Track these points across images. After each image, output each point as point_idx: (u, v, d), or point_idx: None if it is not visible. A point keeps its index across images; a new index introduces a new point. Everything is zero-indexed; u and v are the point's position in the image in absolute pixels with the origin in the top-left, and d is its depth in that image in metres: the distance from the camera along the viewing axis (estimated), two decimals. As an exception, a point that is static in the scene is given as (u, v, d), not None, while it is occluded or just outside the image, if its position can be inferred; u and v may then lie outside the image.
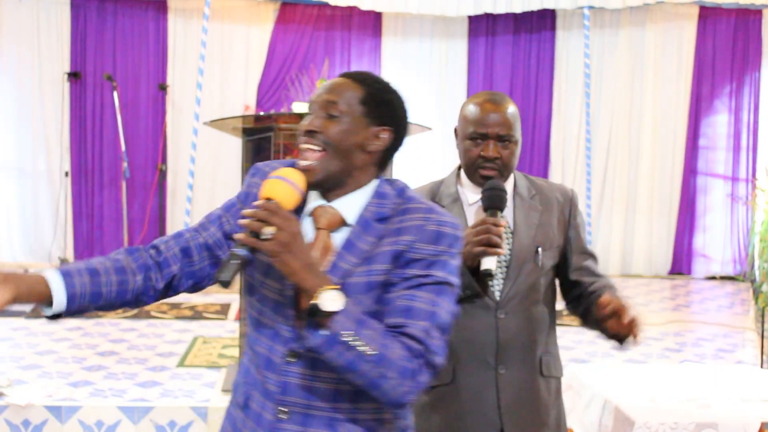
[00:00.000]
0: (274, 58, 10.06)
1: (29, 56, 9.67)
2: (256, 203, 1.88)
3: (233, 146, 9.44)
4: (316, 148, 2.00)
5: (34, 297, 1.97)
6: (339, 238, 2.02)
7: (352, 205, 2.04)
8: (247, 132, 5.39)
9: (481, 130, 2.61)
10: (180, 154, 9.81)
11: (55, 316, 2.03)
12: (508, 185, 2.69)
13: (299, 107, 5.47)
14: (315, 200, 2.05)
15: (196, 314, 7.28)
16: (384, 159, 2.09)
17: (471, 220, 2.66)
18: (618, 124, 10.39)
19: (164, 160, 9.74)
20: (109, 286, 2.01)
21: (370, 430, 2.01)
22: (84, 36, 9.81)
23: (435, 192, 2.78)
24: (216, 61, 9.87)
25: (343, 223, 2.03)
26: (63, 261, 9.44)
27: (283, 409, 1.98)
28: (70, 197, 9.77)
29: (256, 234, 1.84)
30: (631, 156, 10.43)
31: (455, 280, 2.00)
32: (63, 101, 9.73)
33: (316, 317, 1.83)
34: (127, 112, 9.67)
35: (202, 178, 9.67)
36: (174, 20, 9.96)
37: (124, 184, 9.41)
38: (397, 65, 10.32)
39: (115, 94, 9.34)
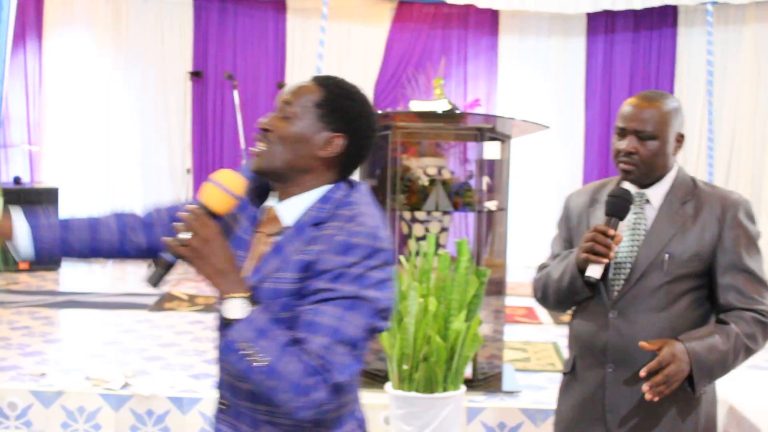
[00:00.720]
0: (391, 57, 10.11)
1: (153, 56, 9.94)
2: (187, 207, 1.93)
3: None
4: (263, 147, 2.03)
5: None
6: (275, 242, 2.01)
7: (294, 208, 2.02)
8: (365, 130, 5.42)
9: (620, 124, 2.64)
10: (297, 151, 9.94)
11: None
12: (662, 186, 2.66)
13: (417, 106, 5.48)
14: (272, 198, 2.08)
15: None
16: (343, 166, 2.05)
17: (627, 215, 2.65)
18: (742, 123, 10.08)
19: (282, 158, 9.90)
20: (79, 233, 2.19)
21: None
22: (206, 36, 10.05)
23: (597, 189, 2.80)
24: (333, 59, 9.96)
25: (281, 227, 2.02)
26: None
27: (222, 401, 2.08)
28: (192, 193, 10.00)
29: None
30: (756, 155, 10.10)
31: (373, 293, 1.91)
32: (185, 99, 9.99)
33: (226, 323, 1.87)
34: (247, 110, 9.85)
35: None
36: (293, 19, 10.10)
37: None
38: (514, 64, 10.24)
39: (235, 92, 9.53)
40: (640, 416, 2.61)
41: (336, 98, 2.04)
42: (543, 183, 9.66)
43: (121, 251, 2.25)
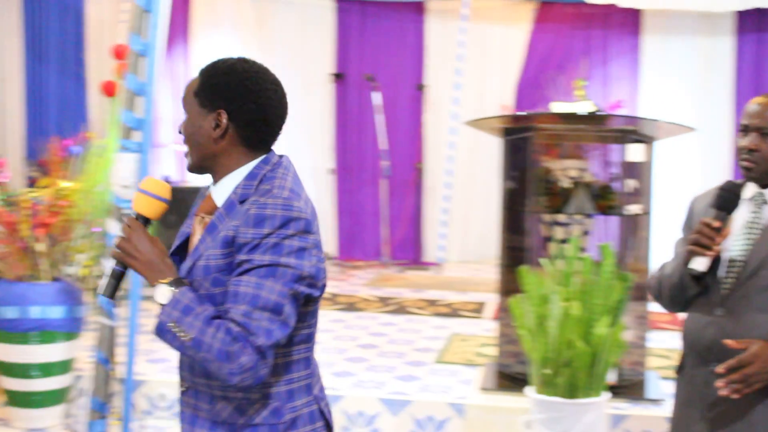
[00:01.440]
0: (532, 58, 10.03)
1: (296, 58, 10.13)
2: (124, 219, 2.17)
3: (490, 146, 9.50)
4: (185, 148, 2.21)
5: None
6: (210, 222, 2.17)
7: (224, 188, 2.17)
8: (506, 132, 5.41)
9: (744, 121, 2.64)
10: (437, 153, 9.97)
11: None
12: None
13: (558, 107, 5.42)
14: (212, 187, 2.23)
15: (453, 312, 7.37)
16: (249, 138, 2.18)
17: (744, 213, 2.65)
18: None
19: (422, 159, 9.93)
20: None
21: (239, 408, 2.14)
22: (347, 38, 10.18)
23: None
24: (473, 61, 9.95)
25: (215, 207, 2.18)
26: (326, 255, 9.82)
27: (183, 383, 2.25)
28: (335, 194, 10.16)
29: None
30: None
31: (292, 261, 2.04)
32: (327, 101, 10.15)
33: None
34: (387, 112, 9.92)
35: (459, 176, 9.78)
36: (432, 21, 10.13)
37: (384, 182, 9.67)
38: (657, 64, 10.00)
39: (376, 94, 9.62)
40: (740, 416, 2.57)
41: (208, 80, 2.17)
42: (687, 187, 9.40)
43: None
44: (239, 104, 2.16)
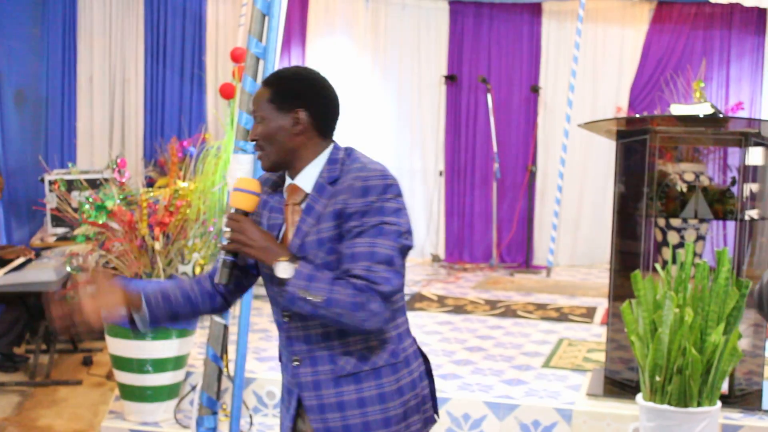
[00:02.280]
0: (649, 59, 9.84)
1: (410, 60, 10.17)
2: (226, 215, 2.44)
3: (603, 149, 9.37)
4: (261, 152, 2.51)
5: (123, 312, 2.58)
6: (304, 206, 2.48)
7: (308, 176, 2.50)
8: (620, 134, 5.32)
9: None
10: (550, 155, 9.88)
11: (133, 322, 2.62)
12: None
13: (677, 109, 5.30)
14: (288, 180, 2.54)
15: (562, 316, 7.29)
16: (321, 128, 2.52)
17: None
18: None
19: (534, 162, 9.85)
20: (180, 308, 2.63)
21: (363, 357, 2.47)
22: (461, 40, 10.16)
23: None
24: (589, 62, 9.83)
25: (305, 194, 2.49)
26: (434, 257, 9.85)
27: (295, 358, 2.52)
28: (444, 196, 10.16)
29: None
30: None
31: (394, 219, 2.39)
32: (440, 103, 10.15)
33: (281, 284, 2.32)
34: (500, 114, 9.88)
35: (571, 179, 9.67)
36: (548, 22, 10.04)
37: (494, 185, 9.63)
38: (782, 65, 9.70)
39: (489, 96, 9.58)
40: None
41: (280, 87, 2.50)
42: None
43: (204, 313, 2.73)
44: (312, 101, 2.51)
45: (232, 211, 2.45)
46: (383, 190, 2.41)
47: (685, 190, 5.48)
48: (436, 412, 2.68)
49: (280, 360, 2.65)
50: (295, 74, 2.55)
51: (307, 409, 2.52)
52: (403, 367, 2.52)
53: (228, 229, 2.42)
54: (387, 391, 2.49)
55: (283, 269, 2.33)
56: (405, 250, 2.42)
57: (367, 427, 2.48)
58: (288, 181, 2.54)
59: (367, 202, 2.38)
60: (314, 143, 2.51)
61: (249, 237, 2.40)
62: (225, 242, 2.44)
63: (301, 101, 2.48)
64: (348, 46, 10.15)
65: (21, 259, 6.87)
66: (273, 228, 2.54)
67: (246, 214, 2.46)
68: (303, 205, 2.49)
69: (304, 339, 2.50)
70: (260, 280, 2.65)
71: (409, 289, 8.13)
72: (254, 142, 2.52)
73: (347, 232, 2.38)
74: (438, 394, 5.02)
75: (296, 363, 2.52)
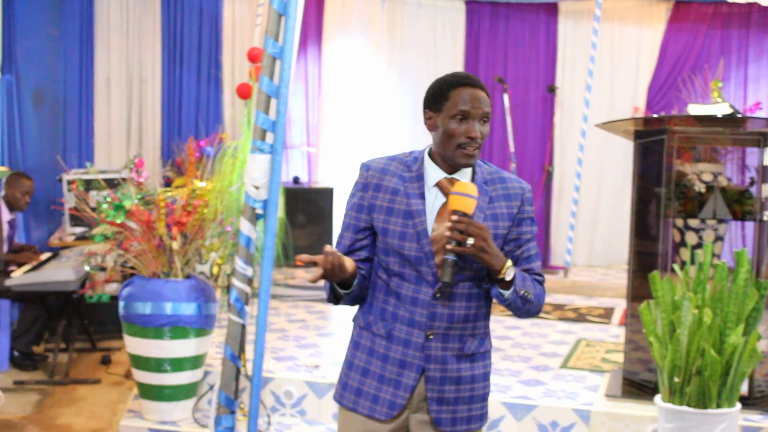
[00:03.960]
0: (666, 59, 9.81)
1: (426, 60, 10.16)
2: (453, 218, 2.59)
3: (620, 148, 9.35)
4: (476, 150, 2.74)
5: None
6: None
7: (467, 174, 2.79)
8: (638, 134, 5.30)
9: None
10: (567, 155, 9.86)
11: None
12: None
13: (695, 109, 5.28)
14: (434, 173, 2.77)
15: (580, 317, 7.27)
16: None
17: None
18: None
19: (551, 162, 9.82)
20: (363, 290, 2.87)
21: (481, 341, 2.83)
22: (477, 40, 10.15)
23: None
24: (606, 62, 9.81)
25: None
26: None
27: (430, 332, 2.74)
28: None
29: (458, 242, 2.58)
30: None
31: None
32: (456, 103, 10.13)
33: (500, 281, 2.67)
34: (516, 114, 9.86)
35: (588, 179, 9.65)
36: (564, 22, 10.02)
37: (511, 185, 9.61)
38: (800, 64, 9.65)
39: (506, 96, 9.56)
40: None
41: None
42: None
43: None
44: None
45: (457, 215, 2.60)
46: (532, 203, 2.87)
47: (703, 190, 5.46)
48: None
49: (389, 336, 2.78)
50: None
51: (428, 379, 2.76)
52: (491, 354, 2.93)
53: (453, 231, 2.58)
54: (488, 372, 2.89)
55: (510, 272, 2.65)
56: None
57: (472, 400, 2.82)
58: (436, 172, 2.77)
59: (531, 211, 2.84)
60: None
61: (489, 245, 2.60)
62: (454, 244, 2.59)
63: None
64: (364, 46, 10.15)
65: (40, 258, 6.91)
66: (418, 213, 2.74)
67: (465, 216, 2.62)
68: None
69: (447, 317, 2.75)
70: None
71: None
72: (474, 140, 2.71)
73: (521, 235, 2.81)
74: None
75: (431, 337, 2.75)
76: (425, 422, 2.79)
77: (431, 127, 2.77)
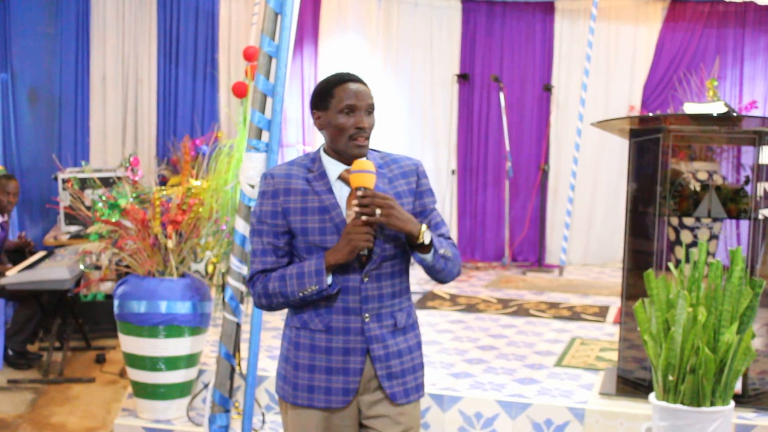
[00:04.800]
0: (662, 58, 9.81)
1: (422, 59, 10.15)
2: (358, 194, 2.75)
3: (615, 147, 9.35)
4: (365, 141, 2.93)
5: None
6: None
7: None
8: (634, 133, 5.30)
9: None
10: (562, 154, 9.87)
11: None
12: None
13: (691, 108, 5.28)
14: (333, 167, 2.92)
15: (575, 315, 7.28)
16: None
17: None
18: None
19: (547, 161, 9.83)
20: None
21: (408, 313, 3.00)
22: (473, 39, 10.15)
23: None
24: (601, 61, 9.81)
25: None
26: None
27: (366, 315, 2.88)
28: (456, 195, 10.15)
29: (368, 215, 2.74)
30: None
31: None
32: (452, 101, 10.14)
33: (419, 247, 2.84)
34: (512, 113, 9.87)
35: (584, 178, 9.66)
36: (561, 21, 10.02)
37: (507, 184, 9.62)
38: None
39: (501, 95, 9.56)
40: None
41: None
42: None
43: None
44: None
45: (361, 190, 2.76)
46: (426, 175, 3.07)
47: (698, 189, 5.46)
48: None
49: (327, 329, 2.90)
50: None
51: (374, 359, 2.90)
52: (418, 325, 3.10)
53: (361, 207, 2.74)
54: (420, 341, 3.05)
55: (428, 234, 2.82)
56: None
57: (415, 369, 3.00)
58: (335, 166, 2.93)
59: (427, 183, 3.03)
60: None
61: (399, 211, 2.77)
62: (363, 217, 2.74)
63: None
64: (360, 45, 10.14)
65: (35, 257, 6.90)
66: (332, 207, 2.88)
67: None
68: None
69: (377, 298, 2.90)
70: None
71: (421, 288, 8.12)
72: (362, 130, 2.89)
73: (426, 207, 2.99)
74: (450, 393, 5.05)
75: (367, 319, 2.88)
76: (377, 401, 2.94)
77: (321, 126, 2.93)
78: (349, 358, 2.89)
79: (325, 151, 2.97)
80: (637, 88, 9.84)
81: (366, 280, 2.88)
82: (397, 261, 2.94)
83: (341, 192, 2.90)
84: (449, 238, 3.00)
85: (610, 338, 6.41)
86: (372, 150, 2.99)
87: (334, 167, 2.92)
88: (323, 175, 2.91)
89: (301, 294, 2.84)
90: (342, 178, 2.90)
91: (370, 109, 2.92)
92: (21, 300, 6.80)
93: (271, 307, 2.95)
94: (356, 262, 2.86)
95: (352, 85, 2.91)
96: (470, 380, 5.35)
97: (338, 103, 2.88)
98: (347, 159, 2.90)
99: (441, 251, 2.87)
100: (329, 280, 2.83)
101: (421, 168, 3.02)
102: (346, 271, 2.86)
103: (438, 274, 2.94)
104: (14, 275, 6.48)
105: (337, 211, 2.87)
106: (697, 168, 7.78)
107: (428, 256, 2.85)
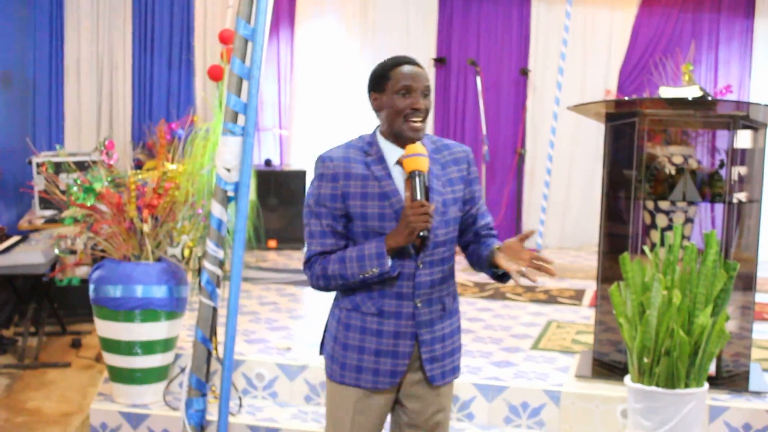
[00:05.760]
0: (638, 42, 9.82)
1: (399, 42, 10.09)
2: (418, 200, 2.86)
3: (591, 131, 9.37)
4: (421, 122, 2.96)
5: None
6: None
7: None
8: (609, 117, 5.32)
9: None
10: (539, 138, 9.87)
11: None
12: None
13: (666, 92, 5.30)
14: (392, 151, 2.97)
15: (551, 298, 7.31)
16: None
17: None
18: None
19: (523, 144, 9.84)
20: None
21: (453, 298, 3.14)
22: (450, 22, 10.12)
23: None
24: (578, 45, 9.80)
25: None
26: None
27: (418, 300, 2.98)
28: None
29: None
30: None
31: None
32: (430, 85, 10.10)
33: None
34: (489, 97, 9.85)
35: (560, 162, 9.68)
36: (537, 5, 10.00)
37: (483, 167, 9.63)
38: (771, 48, 9.71)
39: (478, 78, 9.56)
40: None
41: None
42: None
43: None
44: None
45: (416, 174, 2.88)
46: (475, 163, 3.14)
47: (673, 172, 5.49)
48: None
49: (380, 313, 2.99)
50: None
51: (422, 343, 3.01)
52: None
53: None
54: (460, 325, 3.19)
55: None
56: None
57: (453, 353, 3.12)
58: (393, 151, 2.98)
59: (476, 171, 3.11)
60: None
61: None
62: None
63: None
64: (337, 29, 10.11)
65: (9, 242, 6.86)
66: (393, 193, 2.94)
67: (422, 174, 2.88)
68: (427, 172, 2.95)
69: (429, 284, 3.00)
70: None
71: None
72: (418, 111, 2.92)
73: (474, 195, 3.09)
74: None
75: (419, 305, 2.98)
76: (416, 381, 3.06)
77: (378, 108, 3.01)
78: (399, 342, 3.00)
79: (381, 133, 3.03)
80: (613, 73, 9.85)
81: (420, 266, 2.96)
82: (448, 246, 3.04)
83: (401, 177, 2.96)
84: (492, 228, 3.15)
85: (586, 321, 6.44)
86: (425, 135, 3.03)
87: (391, 151, 2.98)
88: (381, 159, 2.98)
89: (361, 276, 2.91)
90: (400, 163, 2.95)
91: (426, 92, 2.95)
92: (-5, 285, 6.76)
93: (328, 289, 3.04)
94: (412, 248, 2.93)
95: (408, 68, 2.96)
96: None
97: (395, 85, 2.93)
98: (403, 142, 2.96)
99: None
100: (389, 262, 2.89)
101: (471, 156, 3.09)
102: (402, 257, 2.93)
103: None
104: (-12, 260, 6.43)
105: (397, 197, 2.94)
106: (672, 152, 7.79)
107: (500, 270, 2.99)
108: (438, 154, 3.03)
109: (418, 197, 2.84)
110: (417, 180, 2.87)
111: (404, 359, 3.01)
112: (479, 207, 3.13)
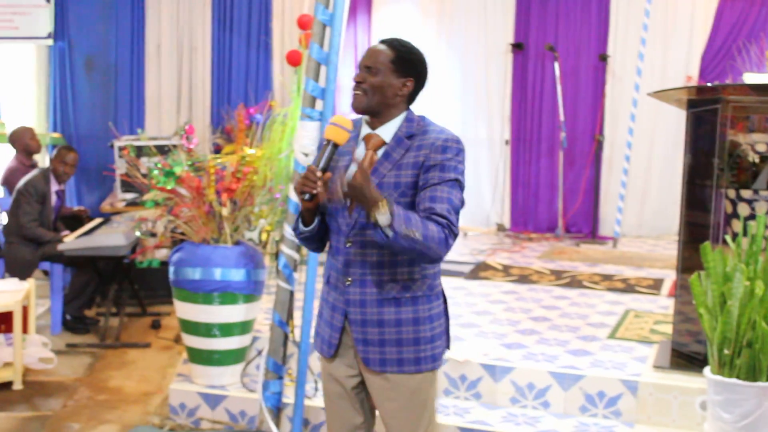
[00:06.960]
0: (721, 27, 9.61)
1: (476, 28, 10.07)
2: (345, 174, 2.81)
3: (671, 118, 9.22)
4: (359, 92, 2.99)
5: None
6: (381, 153, 3.00)
7: (389, 130, 3.02)
8: (691, 104, 5.22)
9: None
10: (618, 125, 9.74)
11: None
12: None
13: (751, 78, 5.19)
14: (365, 130, 3.05)
15: (629, 287, 7.22)
16: (411, 98, 3.07)
17: None
18: None
19: (602, 131, 9.72)
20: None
21: (405, 286, 3.00)
22: (528, 8, 10.03)
23: None
24: (659, 30, 9.63)
25: (384, 143, 3.01)
26: (500, 227, 9.80)
27: (348, 278, 3.01)
28: (509, 165, 10.09)
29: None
30: None
31: (462, 178, 2.96)
32: (506, 72, 10.05)
33: (378, 225, 2.74)
34: (567, 83, 9.75)
35: (639, 149, 9.54)
36: (618, -10, 9.87)
37: (561, 154, 9.54)
38: None
39: (556, 64, 9.46)
40: None
41: (403, 55, 3.01)
42: None
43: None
44: (420, 77, 3.07)
45: (325, 143, 2.91)
46: (458, 153, 2.96)
47: (756, 161, 5.38)
48: (448, 345, 3.18)
49: (328, 282, 3.13)
50: (415, 49, 3.05)
51: (350, 322, 3.03)
52: (435, 300, 3.08)
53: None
54: (420, 316, 3.03)
55: (381, 216, 2.73)
56: (463, 205, 2.99)
57: (401, 343, 3.01)
58: (367, 130, 3.06)
59: (445, 158, 2.92)
60: (403, 106, 3.06)
61: (360, 191, 2.73)
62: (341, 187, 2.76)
63: (414, 73, 3.03)
64: (414, 14, 10.10)
65: (92, 224, 7.00)
66: (338, 170, 2.97)
67: (336, 146, 2.93)
68: (380, 152, 3.00)
69: (360, 264, 3.00)
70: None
71: (474, 258, 8.12)
72: (357, 83, 2.98)
73: (426, 180, 2.91)
74: (502, 363, 5.04)
75: (348, 282, 3.01)
76: (361, 362, 3.09)
77: None
78: (334, 314, 3.09)
79: None
80: (694, 58, 9.66)
81: (349, 245, 3.01)
82: None
83: (361, 153, 3.05)
84: (442, 216, 2.85)
85: (665, 311, 6.35)
86: (422, 118, 3.08)
87: (364, 128, 3.11)
88: (357, 135, 3.11)
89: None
90: (364, 140, 3.07)
91: (370, 65, 3.00)
92: (78, 266, 6.91)
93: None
94: (345, 225, 3.01)
95: (371, 46, 3.08)
96: (523, 351, 5.34)
97: None
98: (373, 118, 3.06)
99: (404, 231, 2.73)
100: (300, 224, 3.07)
101: (440, 143, 2.94)
102: (338, 233, 3.05)
103: (407, 254, 2.86)
104: (72, 241, 6.58)
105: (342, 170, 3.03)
106: (755, 140, 7.62)
107: (389, 233, 2.74)
108: (411, 139, 2.99)
109: (321, 164, 2.87)
110: (326, 149, 2.91)
111: (336, 332, 3.08)
112: (430, 191, 2.89)
